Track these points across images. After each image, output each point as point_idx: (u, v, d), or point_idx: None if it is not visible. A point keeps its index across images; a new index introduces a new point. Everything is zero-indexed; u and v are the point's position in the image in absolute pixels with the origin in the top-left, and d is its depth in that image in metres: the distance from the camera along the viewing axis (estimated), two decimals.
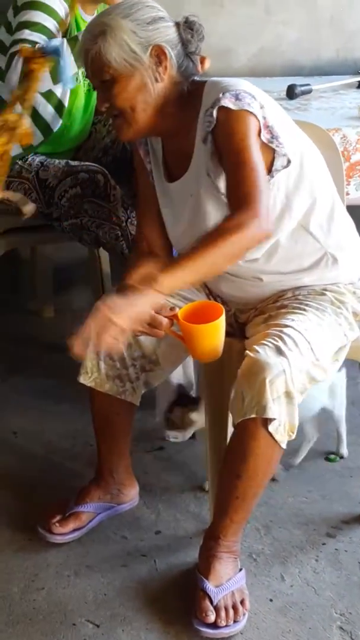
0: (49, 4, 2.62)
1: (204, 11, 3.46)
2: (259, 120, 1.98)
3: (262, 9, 3.57)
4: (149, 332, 2.00)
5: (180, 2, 3.38)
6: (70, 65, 2.52)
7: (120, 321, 1.84)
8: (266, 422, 1.93)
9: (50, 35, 2.59)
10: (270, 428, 1.93)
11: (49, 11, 2.62)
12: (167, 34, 2.03)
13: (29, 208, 2.15)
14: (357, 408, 2.74)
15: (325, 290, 2.15)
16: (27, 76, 1.80)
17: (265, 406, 1.91)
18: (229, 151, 1.98)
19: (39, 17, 2.60)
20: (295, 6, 3.60)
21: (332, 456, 2.68)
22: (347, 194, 2.67)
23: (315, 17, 3.63)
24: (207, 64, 2.32)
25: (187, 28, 2.06)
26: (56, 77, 2.37)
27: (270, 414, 1.92)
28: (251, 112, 1.97)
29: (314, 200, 2.11)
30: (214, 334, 1.95)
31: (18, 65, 2.50)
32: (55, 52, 1.87)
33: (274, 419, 1.93)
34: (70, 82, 2.46)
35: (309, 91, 3.22)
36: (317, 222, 2.12)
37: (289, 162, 2.03)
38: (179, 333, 1.97)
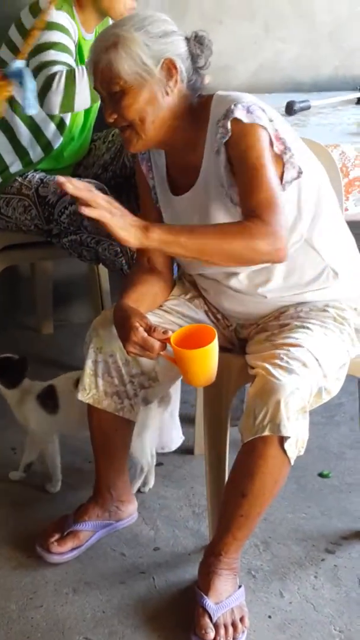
0: (62, 24, 2.64)
1: (203, 27, 3.44)
2: (269, 134, 2.00)
3: (261, 26, 3.58)
4: (141, 354, 2.01)
5: (180, 18, 3.38)
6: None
7: None
8: (281, 439, 1.93)
9: (71, 54, 2.62)
10: (286, 445, 1.94)
11: (65, 30, 2.64)
12: (179, 48, 2.03)
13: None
14: (356, 423, 2.74)
15: (327, 306, 2.15)
16: None
17: (280, 424, 1.91)
18: (246, 167, 1.98)
19: (57, 36, 2.62)
20: (294, 23, 3.61)
21: (326, 472, 2.67)
22: (346, 209, 2.67)
23: (314, 34, 3.64)
24: (207, 79, 2.34)
25: (197, 43, 2.07)
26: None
27: (285, 431, 1.92)
28: (262, 126, 1.99)
29: (318, 213, 2.12)
30: (206, 359, 1.95)
31: (60, 86, 2.53)
32: (18, 75, 1.87)
33: (289, 437, 1.93)
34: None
35: (308, 107, 3.23)
36: (320, 235, 2.13)
37: (299, 173, 2.05)
38: (172, 356, 1.98)
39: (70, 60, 2.62)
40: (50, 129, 2.80)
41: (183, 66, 2.04)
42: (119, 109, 2.04)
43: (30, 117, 2.77)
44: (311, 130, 3.01)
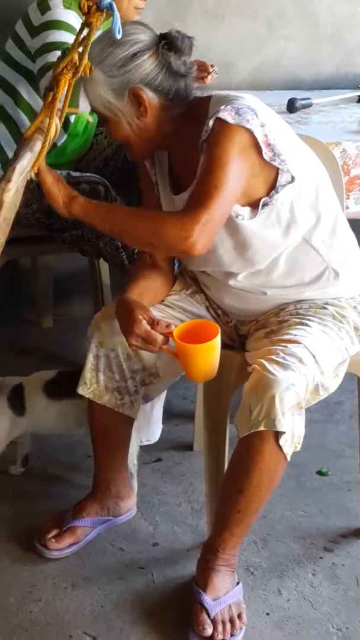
0: (70, 23, 2.63)
1: (206, 24, 3.47)
2: (255, 138, 1.98)
3: (264, 24, 3.58)
4: (143, 347, 2.02)
5: (182, 15, 3.40)
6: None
7: None
8: (276, 435, 1.94)
9: None
10: (281, 441, 1.94)
11: (72, 30, 2.63)
12: (143, 70, 2.03)
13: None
14: (355, 422, 2.74)
15: (327, 304, 2.15)
16: (87, 27, 1.89)
17: (275, 419, 1.91)
18: (206, 160, 1.99)
19: (64, 36, 2.60)
20: (296, 21, 3.61)
21: (324, 469, 2.68)
22: (347, 207, 2.68)
23: (316, 32, 3.65)
24: (215, 68, 2.36)
25: (167, 50, 2.04)
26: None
27: (280, 427, 1.92)
28: (247, 129, 1.97)
29: (318, 215, 2.11)
30: (208, 354, 1.96)
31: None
32: (109, 8, 1.91)
33: (284, 432, 1.93)
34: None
35: (309, 105, 3.23)
36: (320, 236, 2.13)
37: (293, 178, 2.04)
38: (174, 350, 1.98)
39: None
40: None
41: (148, 89, 2.04)
42: (109, 131, 2.14)
43: (34, 112, 2.76)
44: (313, 128, 3.01)
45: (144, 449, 2.71)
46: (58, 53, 2.56)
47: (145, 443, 2.56)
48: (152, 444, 2.64)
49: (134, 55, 2.02)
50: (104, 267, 3.12)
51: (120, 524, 2.41)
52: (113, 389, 2.22)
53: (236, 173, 1.97)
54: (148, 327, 2.00)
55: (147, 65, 2.03)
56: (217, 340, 1.95)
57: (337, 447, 2.81)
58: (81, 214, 2.09)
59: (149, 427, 2.54)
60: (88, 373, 2.21)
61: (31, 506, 2.50)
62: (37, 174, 2.04)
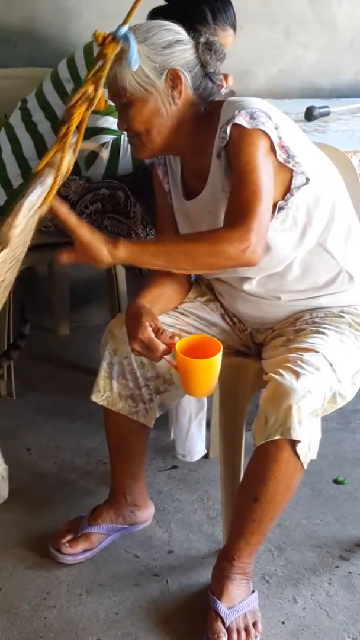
0: None
1: None
2: (271, 140, 1.99)
3: (282, 31, 3.59)
4: (144, 354, 2.01)
5: None
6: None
7: None
8: (292, 443, 1.93)
9: None
10: (298, 449, 1.93)
11: None
12: (184, 57, 2.04)
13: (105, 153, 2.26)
14: None
15: (343, 312, 2.15)
16: (102, 58, 1.88)
17: (291, 428, 1.91)
18: (235, 171, 1.99)
19: None
20: (315, 29, 3.61)
21: (341, 478, 2.67)
22: None
23: (334, 40, 3.65)
24: (231, 80, 2.35)
25: (207, 49, 2.08)
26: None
27: (295, 435, 1.91)
28: (264, 132, 1.98)
29: (332, 218, 2.11)
30: (207, 371, 1.95)
31: (104, 159, 2.65)
32: (126, 38, 1.93)
33: (300, 440, 1.93)
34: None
35: (328, 113, 3.23)
36: (335, 240, 2.13)
37: (307, 180, 2.04)
38: (175, 363, 1.98)
39: None
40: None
41: (188, 75, 2.05)
42: (127, 119, 2.08)
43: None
44: (331, 136, 3.01)
45: (160, 456, 2.71)
46: (110, 119, 2.60)
47: (182, 458, 2.57)
48: (167, 451, 2.64)
49: (178, 42, 2.05)
50: (120, 274, 3.12)
51: (136, 531, 2.40)
52: (127, 397, 2.22)
53: (267, 175, 1.98)
54: (152, 335, 1.99)
55: (189, 54, 2.06)
56: (218, 358, 1.94)
57: (354, 456, 2.80)
58: (128, 255, 1.97)
59: (184, 441, 2.53)
60: (101, 380, 2.21)
61: (46, 513, 2.50)
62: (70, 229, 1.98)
